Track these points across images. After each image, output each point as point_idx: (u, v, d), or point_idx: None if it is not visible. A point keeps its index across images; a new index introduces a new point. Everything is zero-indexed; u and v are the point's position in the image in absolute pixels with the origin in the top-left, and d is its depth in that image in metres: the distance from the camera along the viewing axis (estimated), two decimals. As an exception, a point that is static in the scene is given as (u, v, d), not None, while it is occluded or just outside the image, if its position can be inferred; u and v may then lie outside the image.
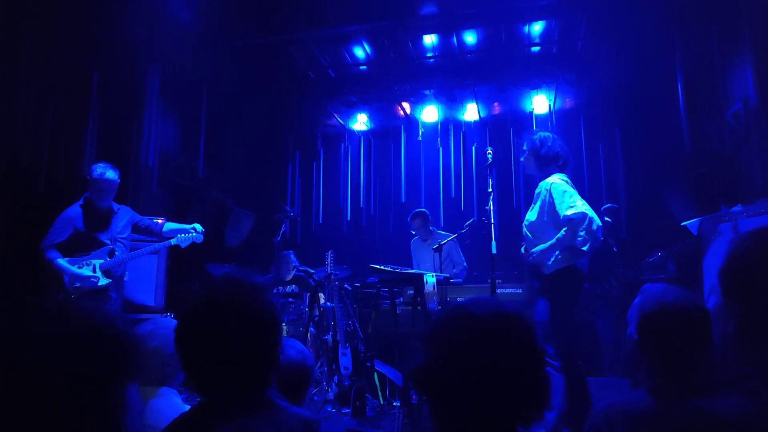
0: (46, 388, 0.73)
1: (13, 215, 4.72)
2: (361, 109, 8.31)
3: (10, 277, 4.42)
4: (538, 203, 3.68)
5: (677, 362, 1.43)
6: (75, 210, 4.19)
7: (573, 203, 3.49)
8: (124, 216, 4.39)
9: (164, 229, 4.41)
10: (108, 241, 4.20)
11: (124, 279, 4.42)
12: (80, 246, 4.12)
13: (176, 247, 4.39)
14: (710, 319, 1.44)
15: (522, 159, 3.92)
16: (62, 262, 4.04)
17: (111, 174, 4.24)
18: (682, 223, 4.31)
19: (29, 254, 4.23)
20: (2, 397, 0.72)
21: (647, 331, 1.49)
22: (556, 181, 3.62)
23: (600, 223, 3.50)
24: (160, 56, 6.15)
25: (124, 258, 4.22)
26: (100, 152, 5.42)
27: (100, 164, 4.28)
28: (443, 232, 6.24)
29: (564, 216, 3.47)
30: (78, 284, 4.05)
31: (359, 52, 7.31)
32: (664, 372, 1.44)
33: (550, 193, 3.58)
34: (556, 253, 3.51)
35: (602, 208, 5.72)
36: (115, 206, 4.35)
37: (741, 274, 1.15)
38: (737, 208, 3.93)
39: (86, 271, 4.06)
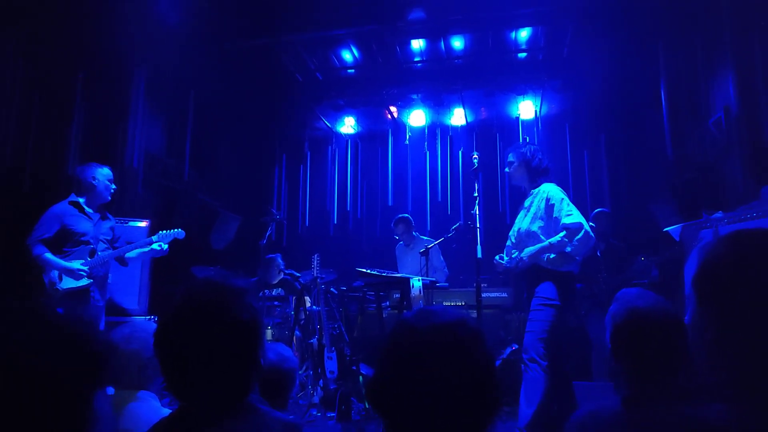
0: (9, 393, 0.72)
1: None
2: (348, 113, 8.33)
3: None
4: (533, 211, 3.71)
5: (650, 370, 1.43)
6: (63, 207, 4.14)
7: (571, 211, 3.57)
8: (109, 219, 4.36)
9: (127, 255, 4.32)
10: (91, 240, 4.16)
11: (108, 281, 4.37)
12: (62, 244, 4.07)
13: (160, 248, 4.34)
14: (684, 325, 1.45)
15: (508, 170, 3.93)
16: (50, 256, 3.99)
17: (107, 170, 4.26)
18: (665, 229, 4.37)
19: (13, 254, 4.18)
20: None
21: (619, 339, 1.49)
22: (554, 189, 3.69)
23: (593, 236, 3.58)
24: (146, 57, 6.11)
25: (105, 257, 4.18)
26: (85, 153, 5.37)
27: (93, 166, 4.23)
28: (426, 238, 6.26)
29: (562, 223, 3.55)
30: (59, 284, 3.99)
31: (347, 56, 7.32)
32: (637, 380, 1.44)
33: (548, 200, 3.64)
34: (552, 255, 3.55)
35: (592, 213, 5.79)
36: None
37: (715, 280, 1.13)
38: (718, 214, 4.00)
39: (75, 264, 4.02)
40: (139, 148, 6.09)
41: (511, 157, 3.92)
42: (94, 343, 0.84)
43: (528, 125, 7.88)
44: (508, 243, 3.87)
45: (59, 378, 0.77)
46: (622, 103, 7.05)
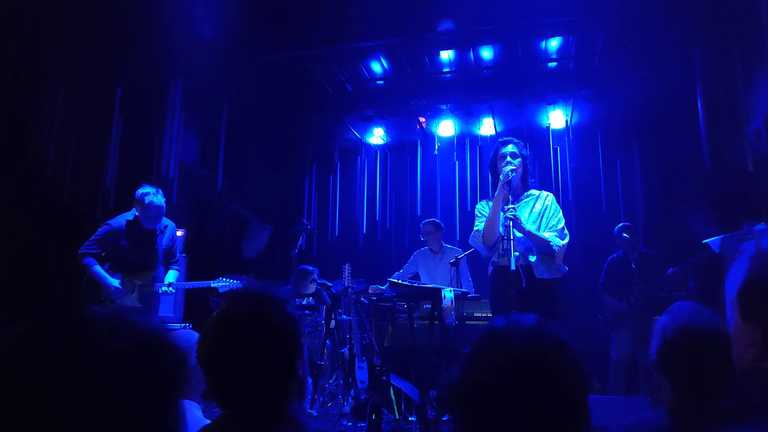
0: (100, 405, 0.72)
1: (38, 226, 4.81)
2: (377, 123, 8.37)
3: (34, 287, 4.50)
4: (538, 212, 3.69)
5: (697, 385, 1.40)
6: (122, 224, 4.18)
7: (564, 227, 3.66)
8: (169, 233, 4.45)
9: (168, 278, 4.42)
10: (153, 263, 4.27)
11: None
12: (126, 264, 4.17)
13: (193, 255, 4.46)
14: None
15: (515, 162, 3.72)
16: (99, 269, 4.07)
17: (160, 200, 4.26)
18: (704, 241, 4.26)
19: (54, 264, 4.30)
20: (57, 417, 0.69)
21: (668, 352, 1.47)
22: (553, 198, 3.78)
23: None
24: (182, 71, 6.26)
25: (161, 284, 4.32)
26: (122, 164, 5.52)
27: (148, 188, 4.25)
28: (452, 247, 6.15)
29: (562, 232, 3.60)
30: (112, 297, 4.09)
31: (376, 67, 7.38)
32: (683, 393, 1.42)
33: (555, 209, 3.69)
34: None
35: (617, 228, 5.66)
36: (161, 225, 4.38)
37: (761, 295, 1.07)
38: (761, 226, 3.88)
39: (121, 288, 4.11)
40: (174, 159, 6.23)
41: (520, 150, 3.78)
42: (173, 350, 0.84)
43: (559, 134, 7.80)
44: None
45: (149, 387, 0.77)
46: (656, 111, 6.91)
